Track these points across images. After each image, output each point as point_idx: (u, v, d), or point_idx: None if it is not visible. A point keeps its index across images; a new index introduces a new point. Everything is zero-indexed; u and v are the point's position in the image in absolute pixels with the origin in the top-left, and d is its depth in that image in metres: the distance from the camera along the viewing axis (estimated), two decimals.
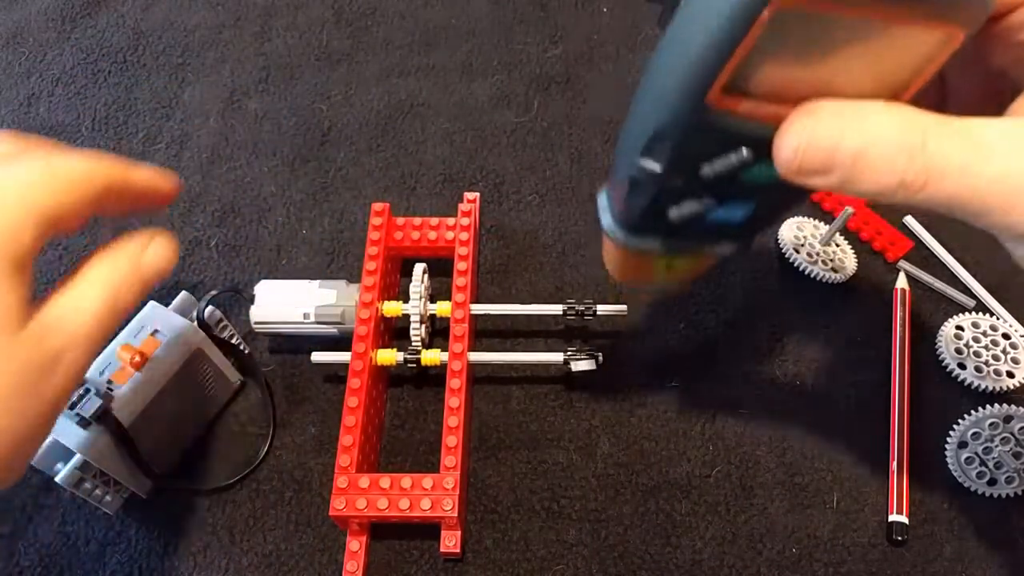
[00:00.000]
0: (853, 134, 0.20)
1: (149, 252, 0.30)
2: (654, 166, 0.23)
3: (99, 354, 0.32)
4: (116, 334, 0.35)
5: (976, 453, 0.37)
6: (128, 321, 0.35)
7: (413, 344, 0.39)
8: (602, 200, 0.27)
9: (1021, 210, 0.20)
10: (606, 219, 0.27)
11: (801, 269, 0.42)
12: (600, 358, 0.38)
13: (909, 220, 0.45)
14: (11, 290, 0.25)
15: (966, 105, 0.25)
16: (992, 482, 0.37)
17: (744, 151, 0.22)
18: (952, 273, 0.43)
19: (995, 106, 0.23)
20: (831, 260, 0.43)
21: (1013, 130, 0.20)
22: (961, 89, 0.25)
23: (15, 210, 0.26)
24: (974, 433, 0.37)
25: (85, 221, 0.28)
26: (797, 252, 0.42)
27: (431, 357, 0.38)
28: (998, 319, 0.41)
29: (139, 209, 0.31)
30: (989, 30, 0.22)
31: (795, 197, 0.28)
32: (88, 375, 0.34)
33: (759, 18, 0.18)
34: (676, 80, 0.20)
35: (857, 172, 0.21)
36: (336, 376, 0.40)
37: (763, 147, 0.21)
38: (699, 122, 0.21)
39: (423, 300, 0.39)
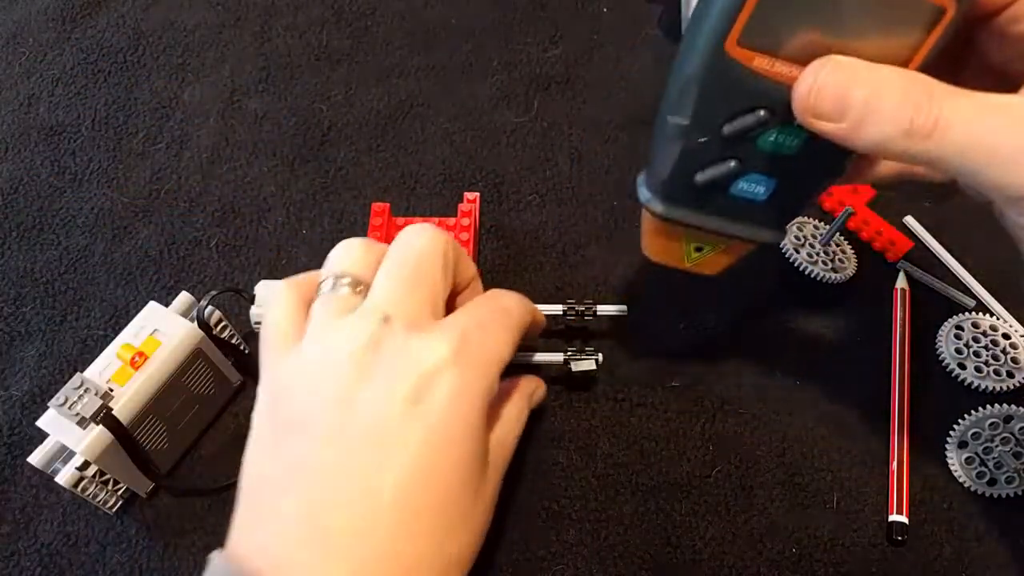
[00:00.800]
0: (865, 79, 0.22)
1: (537, 395, 0.35)
2: (683, 119, 0.26)
3: None
4: (117, 334, 0.35)
5: (976, 453, 0.37)
6: (128, 321, 0.36)
7: None
8: (640, 179, 0.31)
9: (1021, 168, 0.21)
10: (643, 192, 0.30)
11: (801, 269, 0.42)
12: (600, 358, 0.38)
13: (909, 220, 0.45)
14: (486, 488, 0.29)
15: None
16: (992, 482, 0.37)
17: (762, 111, 0.25)
18: (952, 273, 0.43)
19: None
20: (831, 260, 0.43)
21: (1020, 99, 0.22)
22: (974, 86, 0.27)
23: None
24: (974, 433, 0.37)
25: None
26: (797, 252, 0.42)
27: None
28: (998, 319, 0.41)
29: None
30: (988, 26, 0.24)
31: (812, 179, 0.30)
32: (88, 375, 0.34)
33: None
34: (700, 32, 0.24)
35: (868, 115, 0.22)
36: None
37: (780, 111, 0.24)
38: (720, 71, 0.24)
39: None
